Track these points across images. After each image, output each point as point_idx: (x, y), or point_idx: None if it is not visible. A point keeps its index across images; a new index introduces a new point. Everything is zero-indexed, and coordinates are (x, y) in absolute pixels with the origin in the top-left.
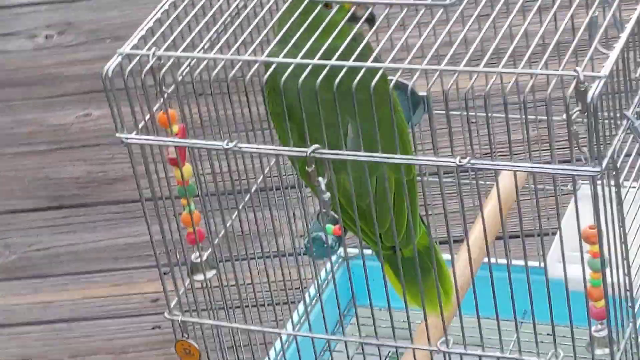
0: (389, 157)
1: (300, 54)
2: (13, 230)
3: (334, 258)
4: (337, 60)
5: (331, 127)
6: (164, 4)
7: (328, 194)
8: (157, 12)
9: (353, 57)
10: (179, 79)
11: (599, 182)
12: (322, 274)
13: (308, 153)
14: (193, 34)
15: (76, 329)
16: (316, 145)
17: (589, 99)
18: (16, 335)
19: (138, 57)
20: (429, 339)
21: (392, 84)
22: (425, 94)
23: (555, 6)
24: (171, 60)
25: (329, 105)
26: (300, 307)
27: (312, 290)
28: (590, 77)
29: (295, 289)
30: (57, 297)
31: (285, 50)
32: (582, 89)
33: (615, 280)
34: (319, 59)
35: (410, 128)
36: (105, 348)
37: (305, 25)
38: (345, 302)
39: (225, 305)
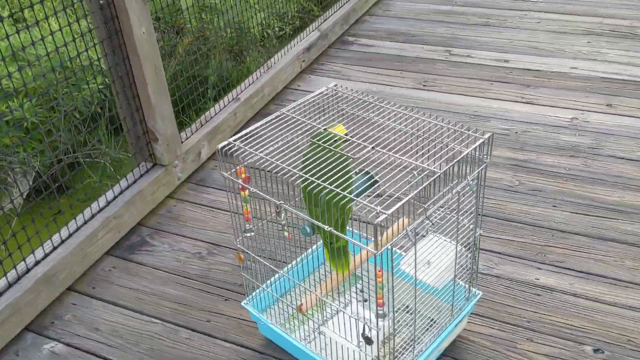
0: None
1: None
2: None
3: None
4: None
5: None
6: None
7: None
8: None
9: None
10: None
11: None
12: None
13: (278, 204)
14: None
15: None
16: (282, 204)
17: (375, 222)
18: None
19: (230, 145)
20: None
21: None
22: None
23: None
24: (242, 149)
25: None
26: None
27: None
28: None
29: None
30: None
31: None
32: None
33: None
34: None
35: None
36: None
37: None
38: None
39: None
